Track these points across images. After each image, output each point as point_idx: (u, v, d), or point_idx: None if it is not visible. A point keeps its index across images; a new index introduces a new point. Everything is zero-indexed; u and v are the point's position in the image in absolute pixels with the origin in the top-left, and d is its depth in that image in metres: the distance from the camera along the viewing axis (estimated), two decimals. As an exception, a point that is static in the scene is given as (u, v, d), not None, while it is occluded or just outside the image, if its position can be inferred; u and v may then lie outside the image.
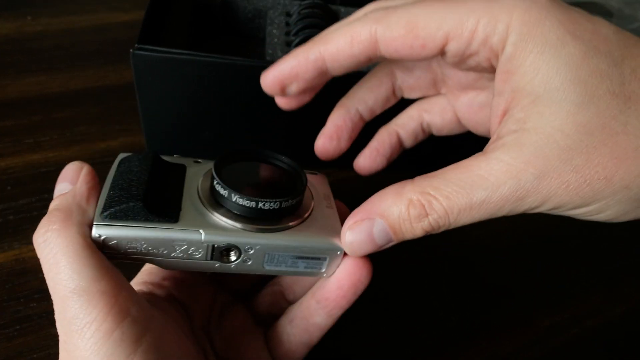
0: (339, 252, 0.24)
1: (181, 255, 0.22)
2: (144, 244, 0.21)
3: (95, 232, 0.21)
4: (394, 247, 0.40)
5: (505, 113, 0.21)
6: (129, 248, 0.22)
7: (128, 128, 0.45)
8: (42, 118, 0.45)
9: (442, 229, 0.22)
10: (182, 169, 0.25)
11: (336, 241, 0.24)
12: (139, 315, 0.20)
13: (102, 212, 0.21)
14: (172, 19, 0.45)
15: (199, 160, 0.26)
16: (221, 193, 0.23)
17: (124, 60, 0.52)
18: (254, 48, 0.52)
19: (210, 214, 0.23)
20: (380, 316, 0.36)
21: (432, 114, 0.29)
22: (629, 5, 0.70)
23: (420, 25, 0.21)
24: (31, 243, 0.35)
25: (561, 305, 0.39)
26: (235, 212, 0.23)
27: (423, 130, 0.30)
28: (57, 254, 0.20)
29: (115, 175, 0.23)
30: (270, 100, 0.39)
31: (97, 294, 0.19)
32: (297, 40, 0.44)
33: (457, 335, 0.36)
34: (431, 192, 0.21)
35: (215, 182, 0.23)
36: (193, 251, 0.22)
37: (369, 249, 0.23)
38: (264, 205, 0.23)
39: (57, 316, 0.20)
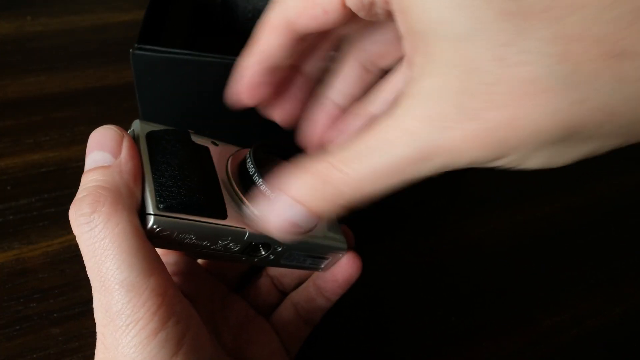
0: (340, 255, 0.28)
1: (220, 248, 0.23)
2: (194, 236, 0.21)
3: (153, 223, 0.20)
4: (394, 247, 0.40)
5: (411, 59, 0.18)
6: (176, 239, 0.21)
7: (128, 128, 0.45)
8: (42, 118, 0.45)
9: (365, 203, 0.19)
10: (207, 153, 0.25)
11: (340, 244, 0.27)
12: (181, 315, 0.20)
13: (159, 203, 0.20)
14: (171, 19, 0.45)
15: (216, 142, 0.26)
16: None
17: (123, 60, 0.52)
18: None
19: (249, 210, 0.23)
20: (380, 316, 0.36)
21: (406, 78, 0.26)
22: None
23: None
24: (32, 243, 0.35)
25: (561, 305, 0.39)
26: None
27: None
28: (104, 239, 0.18)
29: (152, 155, 0.22)
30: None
31: (147, 291, 0.18)
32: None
33: (457, 335, 0.36)
34: (339, 166, 0.19)
35: (261, 185, 0.24)
36: (232, 246, 0.23)
37: (298, 233, 0.21)
38: None
39: (97, 306, 0.19)
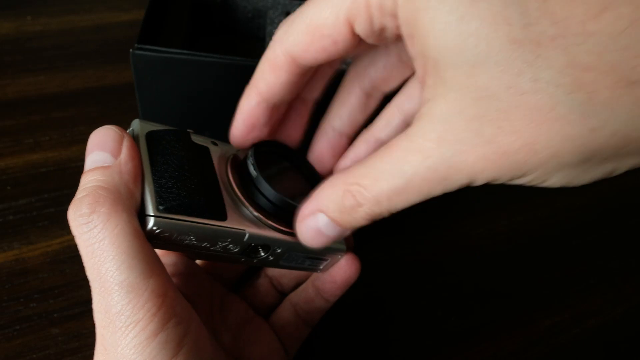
0: (339, 256, 0.28)
1: (220, 249, 0.23)
2: (193, 238, 0.21)
3: (153, 224, 0.20)
4: (394, 247, 0.40)
5: (423, 80, 0.19)
6: (176, 240, 0.21)
7: (128, 128, 0.45)
8: (42, 118, 0.45)
9: (385, 215, 0.21)
10: (206, 152, 0.24)
11: (339, 246, 0.27)
12: (182, 317, 0.20)
13: (160, 204, 0.20)
14: (171, 19, 0.45)
15: (216, 142, 0.26)
16: (271, 199, 0.24)
17: (123, 60, 0.52)
18: (254, 48, 0.52)
19: (248, 211, 0.23)
20: (380, 316, 0.36)
21: (413, 99, 0.26)
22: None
23: (319, 24, 0.20)
24: (31, 243, 0.35)
25: (561, 305, 0.39)
26: (271, 211, 0.24)
27: (408, 124, 0.27)
28: (103, 240, 0.18)
29: (152, 156, 0.22)
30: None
31: (146, 292, 0.18)
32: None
33: (456, 336, 0.36)
34: (359, 182, 0.20)
35: (265, 190, 0.24)
36: (232, 247, 0.23)
37: (324, 241, 0.23)
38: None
39: (96, 307, 0.19)
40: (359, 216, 0.20)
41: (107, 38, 0.55)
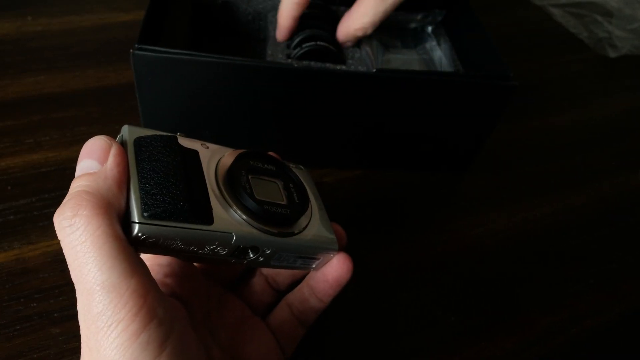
0: (332, 255, 0.28)
1: (208, 252, 0.23)
2: (180, 242, 0.21)
3: (138, 231, 0.20)
4: (393, 247, 0.40)
5: None
6: (163, 245, 0.21)
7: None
8: (42, 118, 0.45)
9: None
10: (195, 156, 0.25)
11: (331, 244, 0.28)
12: (164, 317, 0.20)
13: (144, 211, 0.20)
14: (172, 20, 0.45)
15: (207, 145, 0.26)
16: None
17: (124, 60, 0.52)
18: (254, 49, 0.52)
19: (236, 215, 0.24)
20: (378, 316, 0.36)
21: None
22: (628, 5, 0.70)
23: None
24: (32, 243, 0.35)
25: (560, 305, 0.39)
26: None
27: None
28: (85, 242, 0.18)
29: (139, 162, 0.22)
30: (269, 100, 0.39)
31: (127, 292, 0.18)
32: (297, 41, 0.44)
33: (455, 335, 0.36)
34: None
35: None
36: (220, 250, 0.23)
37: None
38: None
39: (80, 308, 0.19)
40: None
41: (108, 38, 0.55)
